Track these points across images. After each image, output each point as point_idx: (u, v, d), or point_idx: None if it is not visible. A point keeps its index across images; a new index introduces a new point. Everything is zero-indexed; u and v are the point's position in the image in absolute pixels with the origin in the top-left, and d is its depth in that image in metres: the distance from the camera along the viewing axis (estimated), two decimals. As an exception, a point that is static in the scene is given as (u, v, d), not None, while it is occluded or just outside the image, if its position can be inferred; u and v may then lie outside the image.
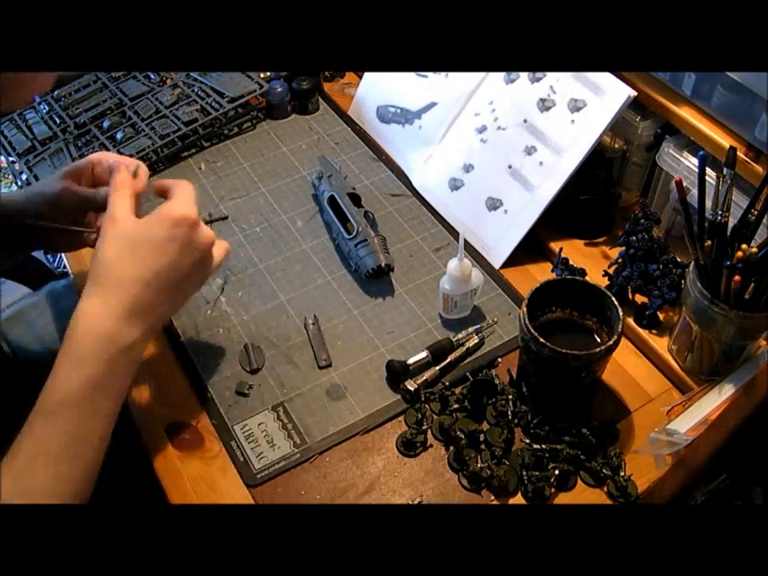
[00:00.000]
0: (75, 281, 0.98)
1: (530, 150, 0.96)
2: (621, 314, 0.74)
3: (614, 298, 0.76)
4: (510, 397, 0.80)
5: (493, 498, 0.75)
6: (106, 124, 1.13)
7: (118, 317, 0.65)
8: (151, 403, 0.83)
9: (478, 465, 0.75)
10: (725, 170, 0.71)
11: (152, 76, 1.23)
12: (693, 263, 0.76)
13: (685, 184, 0.77)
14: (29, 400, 0.66)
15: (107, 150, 1.09)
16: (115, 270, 0.66)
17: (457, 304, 0.88)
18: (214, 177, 1.10)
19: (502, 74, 1.00)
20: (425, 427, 0.79)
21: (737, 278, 0.69)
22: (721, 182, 0.72)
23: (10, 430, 0.67)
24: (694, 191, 0.76)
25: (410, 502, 0.75)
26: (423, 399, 0.80)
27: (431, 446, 0.79)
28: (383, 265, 0.92)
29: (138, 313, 0.66)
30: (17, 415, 0.66)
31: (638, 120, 0.92)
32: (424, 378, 0.83)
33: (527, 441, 0.77)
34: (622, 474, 0.75)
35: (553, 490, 0.75)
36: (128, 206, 0.69)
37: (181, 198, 0.70)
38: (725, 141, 0.78)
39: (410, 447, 0.79)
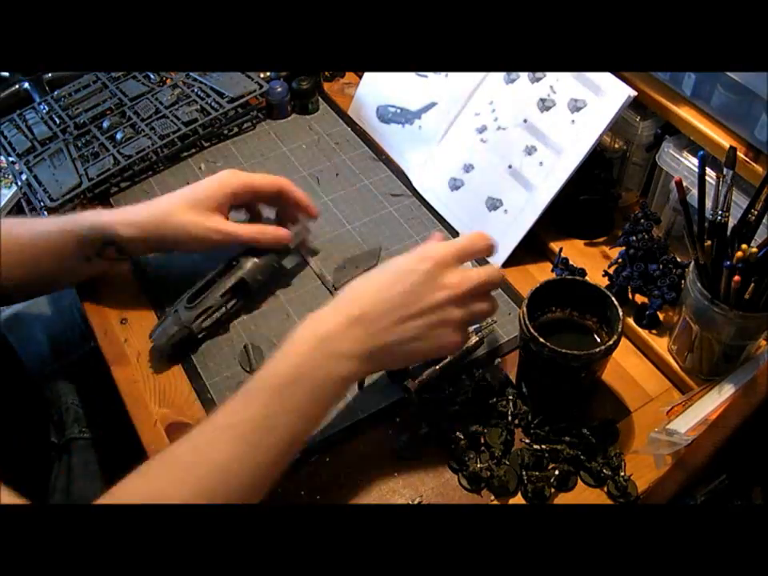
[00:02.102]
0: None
1: (530, 150, 0.96)
2: (621, 314, 0.74)
3: (614, 298, 0.76)
4: (510, 397, 0.80)
5: (493, 498, 0.75)
6: (105, 124, 1.13)
7: (340, 321, 0.66)
8: (151, 403, 0.83)
9: (478, 465, 0.75)
10: (725, 170, 0.71)
11: (152, 76, 1.23)
12: (693, 263, 0.76)
13: (685, 184, 0.77)
14: (29, 398, 0.67)
15: (107, 150, 1.09)
16: (353, 288, 0.70)
17: None
18: (213, 177, 1.10)
19: (501, 74, 1.00)
20: (423, 430, 0.79)
21: (737, 278, 0.69)
22: (721, 182, 0.72)
23: (11, 429, 0.67)
24: (694, 191, 0.76)
25: (410, 502, 0.75)
26: (418, 401, 0.80)
27: (429, 450, 0.79)
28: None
29: (361, 326, 0.66)
30: (18, 414, 0.66)
31: (637, 120, 0.92)
32: (424, 377, 0.83)
33: (527, 441, 0.77)
34: (622, 473, 0.75)
35: (553, 490, 0.75)
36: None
37: (445, 244, 0.71)
38: (725, 141, 0.78)
39: (408, 451, 0.79)
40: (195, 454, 0.61)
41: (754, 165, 0.76)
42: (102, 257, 0.84)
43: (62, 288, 0.95)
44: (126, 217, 0.85)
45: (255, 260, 0.88)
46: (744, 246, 0.69)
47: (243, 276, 0.88)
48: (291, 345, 0.66)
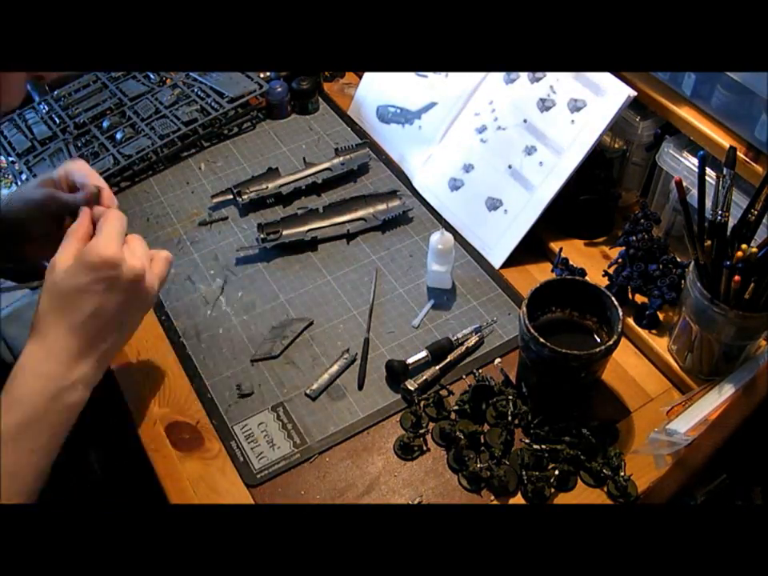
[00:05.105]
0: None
1: (530, 150, 0.96)
2: (621, 314, 0.74)
3: (613, 298, 0.76)
4: (510, 397, 0.80)
5: (493, 498, 0.75)
6: (105, 124, 1.13)
7: (59, 359, 0.67)
8: (151, 403, 0.83)
9: (478, 465, 0.75)
10: (725, 170, 0.71)
11: (152, 76, 1.23)
12: (693, 263, 0.76)
13: (685, 184, 0.77)
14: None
15: (107, 150, 1.09)
16: (50, 319, 0.68)
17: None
18: (213, 177, 1.10)
19: (501, 74, 1.00)
20: (422, 431, 0.79)
21: (737, 278, 0.69)
22: (721, 182, 0.72)
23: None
24: (694, 191, 0.76)
25: (410, 502, 0.75)
26: (417, 402, 0.80)
27: (429, 449, 0.79)
28: None
29: (80, 353, 0.68)
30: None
31: (637, 120, 0.92)
32: (424, 377, 0.83)
33: (527, 441, 0.77)
34: (622, 473, 0.75)
35: (553, 490, 0.75)
36: (70, 254, 0.69)
37: (102, 237, 0.69)
38: (725, 141, 0.78)
39: (407, 451, 0.79)
40: None
41: (754, 165, 0.76)
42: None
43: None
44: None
45: None
46: (744, 245, 0.69)
47: None
48: (14, 390, 0.66)
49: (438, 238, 0.88)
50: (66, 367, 0.67)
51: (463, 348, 0.86)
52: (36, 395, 0.66)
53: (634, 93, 0.87)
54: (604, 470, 0.75)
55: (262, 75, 1.19)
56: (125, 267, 0.69)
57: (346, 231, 1.00)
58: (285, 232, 0.99)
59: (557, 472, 0.74)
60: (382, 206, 1.03)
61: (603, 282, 0.88)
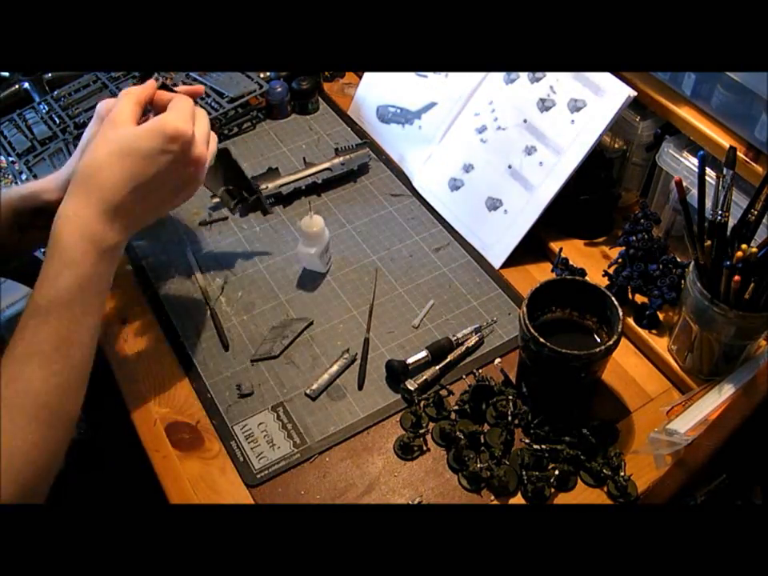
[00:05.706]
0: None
1: (529, 150, 0.96)
2: (621, 314, 0.74)
3: (613, 298, 0.76)
4: (510, 397, 0.80)
5: (493, 498, 0.75)
6: (105, 124, 1.13)
7: (102, 219, 0.66)
8: (151, 403, 0.83)
9: (478, 465, 0.75)
10: (725, 170, 0.71)
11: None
12: (693, 263, 0.76)
13: (685, 184, 0.77)
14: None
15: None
16: (102, 174, 0.67)
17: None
18: (213, 177, 1.10)
19: (501, 74, 1.00)
20: (422, 431, 0.79)
21: (737, 278, 0.69)
22: (721, 182, 0.72)
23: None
24: (694, 191, 0.76)
25: (410, 502, 0.75)
26: (417, 402, 0.80)
27: (429, 449, 0.79)
28: None
29: (120, 216, 0.67)
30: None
31: (637, 120, 0.92)
32: (424, 377, 0.83)
33: (527, 441, 0.77)
34: (622, 473, 0.75)
35: (553, 490, 0.75)
36: (130, 112, 0.69)
37: (178, 112, 0.69)
38: (725, 141, 0.78)
39: (407, 451, 0.79)
40: (12, 386, 0.60)
41: (754, 165, 0.76)
42: (36, 227, 0.82)
43: (6, 267, 0.94)
44: (51, 179, 0.84)
45: None
46: (744, 245, 0.69)
47: None
48: (63, 254, 0.65)
49: (307, 222, 0.90)
50: (108, 226, 0.66)
51: (463, 348, 0.86)
52: (83, 257, 0.65)
53: (634, 93, 0.87)
54: (604, 470, 0.75)
55: (262, 75, 1.19)
56: (193, 149, 0.69)
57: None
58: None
59: (557, 472, 0.74)
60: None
61: (603, 282, 0.88)
